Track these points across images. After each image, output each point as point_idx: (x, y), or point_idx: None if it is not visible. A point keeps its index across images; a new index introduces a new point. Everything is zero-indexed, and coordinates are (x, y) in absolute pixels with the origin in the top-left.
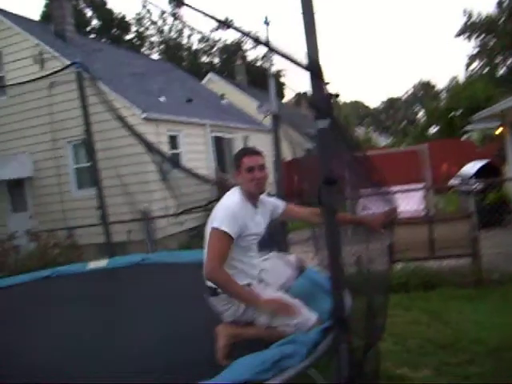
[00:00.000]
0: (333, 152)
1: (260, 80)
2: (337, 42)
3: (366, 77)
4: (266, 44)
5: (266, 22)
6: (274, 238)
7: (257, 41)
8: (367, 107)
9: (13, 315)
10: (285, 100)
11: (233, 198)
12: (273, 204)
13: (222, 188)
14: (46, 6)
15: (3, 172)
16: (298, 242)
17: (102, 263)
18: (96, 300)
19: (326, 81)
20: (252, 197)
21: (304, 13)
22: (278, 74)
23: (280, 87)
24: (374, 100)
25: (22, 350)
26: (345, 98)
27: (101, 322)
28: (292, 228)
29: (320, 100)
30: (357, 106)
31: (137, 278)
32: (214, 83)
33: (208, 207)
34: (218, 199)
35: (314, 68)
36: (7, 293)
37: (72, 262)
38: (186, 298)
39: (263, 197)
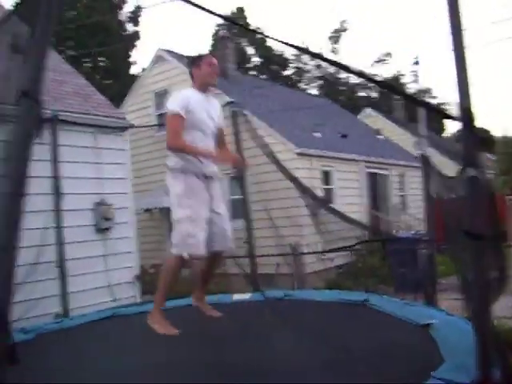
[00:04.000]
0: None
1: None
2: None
3: None
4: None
5: (416, 62)
6: (423, 282)
7: (391, 88)
8: None
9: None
10: (446, 133)
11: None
12: (219, 111)
13: (374, 229)
14: (213, 46)
15: (165, 199)
16: (448, 289)
17: (246, 296)
18: (231, 332)
19: (477, 126)
20: (203, 89)
21: (455, 52)
22: (437, 108)
23: (440, 120)
24: None
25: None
26: (498, 132)
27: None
28: (442, 273)
29: (470, 148)
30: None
31: (275, 314)
32: (371, 118)
33: (356, 248)
34: (367, 241)
35: (464, 117)
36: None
37: (221, 292)
38: (318, 340)
39: (213, 98)
